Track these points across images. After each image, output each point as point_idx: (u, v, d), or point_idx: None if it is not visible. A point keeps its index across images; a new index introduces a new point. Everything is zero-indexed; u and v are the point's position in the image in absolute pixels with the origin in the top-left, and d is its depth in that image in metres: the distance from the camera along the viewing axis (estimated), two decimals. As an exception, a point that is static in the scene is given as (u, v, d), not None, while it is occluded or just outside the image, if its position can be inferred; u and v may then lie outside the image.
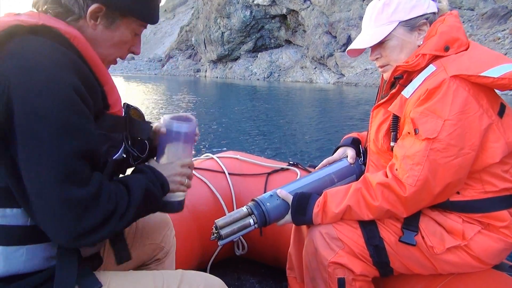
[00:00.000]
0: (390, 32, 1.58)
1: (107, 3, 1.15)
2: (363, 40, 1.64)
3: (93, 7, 1.14)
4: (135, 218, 1.16)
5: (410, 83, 1.53)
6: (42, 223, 1.00)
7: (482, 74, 1.37)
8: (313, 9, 37.87)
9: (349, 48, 1.72)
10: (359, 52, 1.71)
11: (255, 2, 42.29)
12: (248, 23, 44.39)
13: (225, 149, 7.56)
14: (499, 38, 24.85)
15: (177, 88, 29.56)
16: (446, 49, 1.50)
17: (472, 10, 30.44)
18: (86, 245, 1.05)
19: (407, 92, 1.52)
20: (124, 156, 1.30)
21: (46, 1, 1.15)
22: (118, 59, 1.32)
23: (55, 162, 0.96)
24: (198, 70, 61.19)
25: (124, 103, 1.30)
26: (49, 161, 0.96)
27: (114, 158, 1.23)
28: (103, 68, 1.15)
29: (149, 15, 1.26)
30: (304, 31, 39.97)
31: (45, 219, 0.99)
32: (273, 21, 43.82)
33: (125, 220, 1.09)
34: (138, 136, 1.36)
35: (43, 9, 1.14)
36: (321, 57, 35.94)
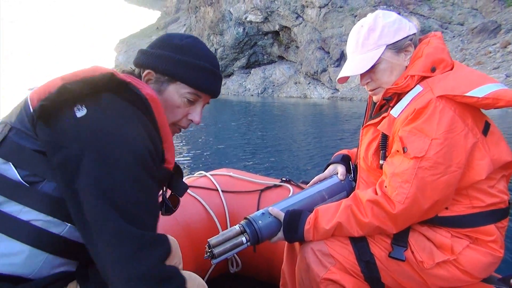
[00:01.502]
0: (380, 56, 1.62)
1: (154, 68, 1.34)
2: (354, 66, 1.67)
3: (145, 72, 1.35)
4: None
5: (398, 103, 1.57)
6: (100, 258, 1.06)
7: (466, 94, 1.42)
8: (305, 26, 38.16)
9: (339, 76, 1.74)
10: (347, 78, 1.74)
11: (248, 19, 42.58)
12: (241, 40, 44.60)
13: (224, 164, 7.54)
14: (490, 52, 25.11)
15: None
16: (433, 70, 1.55)
17: (462, 25, 30.80)
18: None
19: (395, 111, 1.56)
20: None
21: (123, 71, 1.38)
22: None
23: (114, 195, 1.06)
24: (192, 87, 61.37)
25: None
26: (108, 192, 1.06)
27: None
28: (168, 129, 1.29)
29: (198, 82, 1.37)
30: (297, 47, 40.19)
31: (103, 253, 1.05)
32: (265, 37, 44.07)
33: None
34: (175, 192, 1.47)
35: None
36: (314, 72, 36.06)
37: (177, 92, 1.36)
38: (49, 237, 1.11)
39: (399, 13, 1.71)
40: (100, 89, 1.18)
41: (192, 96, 1.38)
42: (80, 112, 1.13)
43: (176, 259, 1.69)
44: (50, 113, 1.12)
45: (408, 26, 1.64)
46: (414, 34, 1.65)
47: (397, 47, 1.62)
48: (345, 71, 1.70)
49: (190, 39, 1.40)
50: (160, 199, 1.43)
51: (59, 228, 1.12)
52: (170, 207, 1.47)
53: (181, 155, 8.91)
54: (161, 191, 1.41)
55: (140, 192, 1.11)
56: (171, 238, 1.68)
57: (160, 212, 1.45)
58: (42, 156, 1.12)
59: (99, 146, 1.09)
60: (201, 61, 1.36)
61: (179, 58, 1.33)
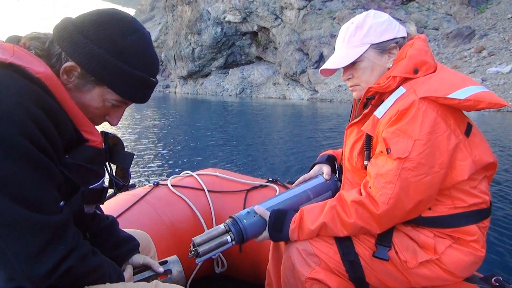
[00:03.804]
0: (362, 54, 1.64)
1: (83, 65, 1.11)
2: (336, 60, 1.70)
3: (68, 64, 1.11)
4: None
5: (382, 104, 1.59)
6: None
7: (449, 96, 1.44)
8: (284, 27, 38.30)
9: (322, 68, 1.76)
10: (332, 72, 1.76)
11: (226, 19, 42.52)
12: (219, 40, 44.52)
13: (210, 163, 7.49)
14: (465, 57, 25.68)
15: (148, 104, 29.33)
16: (415, 71, 1.57)
17: (437, 29, 31.41)
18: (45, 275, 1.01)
19: (379, 112, 1.58)
20: (105, 185, 1.31)
21: (36, 38, 1.15)
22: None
23: (10, 188, 0.95)
24: (168, 86, 60.99)
25: (102, 131, 1.29)
26: (4, 187, 0.94)
27: (91, 187, 1.23)
28: (77, 110, 1.13)
29: (128, 93, 1.19)
30: (275, 48, 40.31)
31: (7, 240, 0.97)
32: (244, 37, 44.08)
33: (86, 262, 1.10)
34: (120, 166, 1.37)
35: (27, 44, 1.14)
36: (293, 73, 36.23)
37: (101, 96, 1.17)
38: None
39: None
40: None
41: (118, 103, 1.21)
42: None
43: (151, 253, 1.69)
44: None
45: (397, 29, 1.66)
46: (403, 38, 1.67)
47: (381, 48, 1.64)
48: (327, 64, 1.73)
49: (135, 37, 1.15)
50: (106, 178, 1.34)
51: None
52: (120, 183, 1.39)
53: (166, 154, 8.85)
54: (106, 169, 1.32)
55: (36, 175, 0.98)
56: (139, 233, 1.65)
57: (113, 190, 1.40)
58: None
59: None
60: (140, 71, 1.17)
61: (117, 65, 1.12)
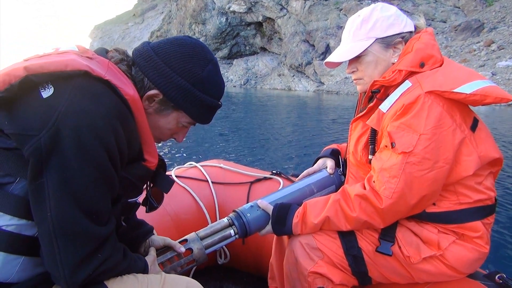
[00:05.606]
0: (366, 48, 1.63)
1: (166, 93, 1.24)
2: (341, 53, 1.69)
3: (152, 92, 1.23)
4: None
5: (387, 98, 1.58)
6: (48, 248, 1.03)
7: (455, 90, 1.43)
8: (289, 17, 38.14)
9: (326, 60, 1.77)
10: (337, 64, 1.75)
11: (231, 9, 42.33)
12: (223, 30, 44.33)
13: (214, 155, 7.49)
14: (474, 50, 25.47)
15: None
16: (422, 65, 1.55)
17: (445, 22, 31.19)
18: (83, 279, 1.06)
19: (384, 106, 1.57)
20: (138, 201, 1.39)
21: (122, 60, 1.25)
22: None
23: (82, 195, 1.02)
24: (171, 76, 60.95)
25: None
26: (77, 193, 1.02)
27: (128, 200, 1.33)
28: (148, 131, 1.24)
29: (201, 117, 1.34)
30: (280, 39, 40.14)
31: (56, 244, 1.01)
32: (248, 28, 43.89)
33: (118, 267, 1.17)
34: (160, 189, 1.44)
35: (117, 65, 1.23)
36: (299, 65, 36.08)
37: (176, 119, 1.32)
38: (23, 241, 1.06)
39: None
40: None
41: (189, 125, 1.37)
42: (47, 92, 1.02)
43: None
44: (12, 102, 1.03)
45: (404, 23, 1.64)
46: (411, 32, 1.66)
47: (386, 42, 1.63)
48: (331, 56, 1.73)
49: (210, 67, 1.29)
50: (144, 196, 1.44)
51: (33, 230, 1.06)
52: (154, 204, 1.47)
53: (170, 145, 8.85)
54: (145, 188, 1.41)
55: (104, 187, 1.08)
56: None
57: (145, 209, 1.47)
58: (13, 153, 1.03)
59: (69, 135, 0.99)
60: (213, 97, 1.32)
61: (196, 94, 1.26)
